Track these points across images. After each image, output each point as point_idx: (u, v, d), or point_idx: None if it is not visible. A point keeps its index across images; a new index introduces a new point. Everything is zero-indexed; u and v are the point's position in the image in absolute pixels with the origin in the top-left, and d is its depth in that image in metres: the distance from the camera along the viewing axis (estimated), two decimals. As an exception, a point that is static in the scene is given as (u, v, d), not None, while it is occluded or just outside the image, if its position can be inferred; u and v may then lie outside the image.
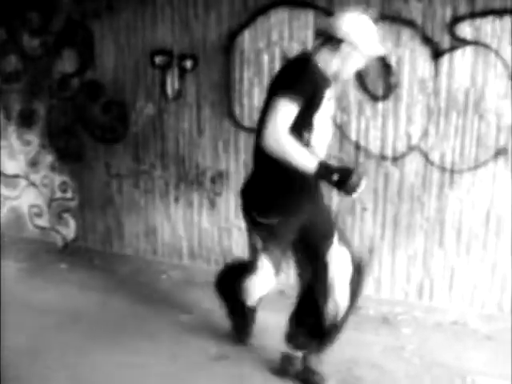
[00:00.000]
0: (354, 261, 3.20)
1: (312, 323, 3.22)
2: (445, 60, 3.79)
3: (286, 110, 2.64)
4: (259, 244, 3.04)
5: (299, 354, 3.32)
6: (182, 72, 4.60)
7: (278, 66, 4.18)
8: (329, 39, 2.84)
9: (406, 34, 3.83)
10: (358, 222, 4.25)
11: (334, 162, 4.00)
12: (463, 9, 3.66)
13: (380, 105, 4.01)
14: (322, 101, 2.82)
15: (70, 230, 5.51)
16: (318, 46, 2.92)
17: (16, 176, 5.66)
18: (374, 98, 4.02)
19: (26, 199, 5.67)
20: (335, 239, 3.16)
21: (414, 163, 4.01)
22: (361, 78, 4.00)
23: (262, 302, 3.46)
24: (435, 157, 3.95)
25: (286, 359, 3.35)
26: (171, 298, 4.47)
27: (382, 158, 4.08)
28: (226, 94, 4.46)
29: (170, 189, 4.90)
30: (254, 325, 3.66)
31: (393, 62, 3.91)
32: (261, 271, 3.09)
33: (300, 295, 3.32)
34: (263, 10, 4.19)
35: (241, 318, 3.64)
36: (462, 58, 3.74)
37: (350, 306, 3.22)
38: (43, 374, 3.41)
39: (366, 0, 3.83)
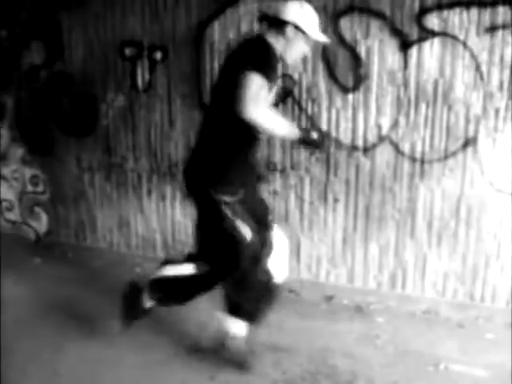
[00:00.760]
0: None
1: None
2: (413, 51, 3.78)
3: (262, 86, 2.72)
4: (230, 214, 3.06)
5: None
6: (153, 63, 4.55)
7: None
8: (274, 23, 2.98)
9: (374, 25, 3.81)
10: (331, 213, 4.26)
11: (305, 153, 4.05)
12: (431, 0, 3.66)
13: (350, 96, 4.01)
14: (276, 81, 2.96)
15: (42, 223, 5.45)
16: (264, 30, 3.04)
17: (-15, 170, 5.59)
18: (345, 89, 4.01)
19: (-3, 193, 5.61)
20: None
21: (384, 154, 4.01)
22: (331, 68, 3.99)
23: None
24: (405, 147, 3.96)
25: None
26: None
27: (353, 148, 4.08)
28: (196, 85, 4.42)
29: (142, 181, 4.86)
30: None
31: (362, 52, 3.90)
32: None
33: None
34: (233, 1, 4.16)
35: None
36: (431, 49, 3.73)
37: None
38: (18, 368, 3.41)
39: (336, -9, 3.83)
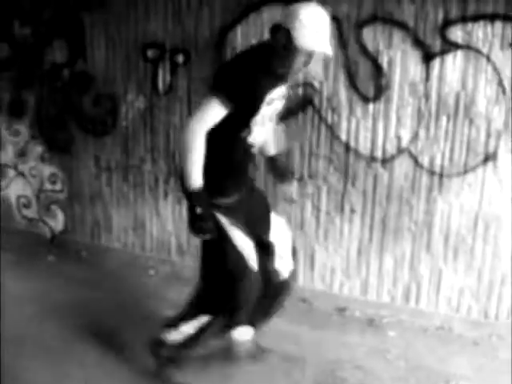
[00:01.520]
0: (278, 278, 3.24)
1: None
2: (436, 63, 3.74)
3: (213, 111, 2.64)
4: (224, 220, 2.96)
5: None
6: (174, 66, 4.55)
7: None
8: (284, 32, 2.67)
9: (397, 35, 3.78)
10: (347, 224, 4.23)
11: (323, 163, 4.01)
12: (455, 12, 3.62)
13: (371, 106, 3.98)
14: (261, 105, 2.75)
15: (58, 221, 5.47)
16: (275, 38, 2.76)
17: (4, 166, 5.62)
18: (365, 99, 3.98)
19: (15, 189, 5.63)
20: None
21: (403, 166, 3.98)
22: (352, 78, 3.96)
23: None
24: (425, 160, 3.92)
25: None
26: (158, 293, 4.48)
27: (372, 159, 4.05)
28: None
29: (159, 183, 4.86)
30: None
31: (384, 63, 3.87)
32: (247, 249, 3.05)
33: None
34: (256, 6, 4.14)
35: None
36: (453, 61, 3.70)
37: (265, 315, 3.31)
38: (27, 364, 3.44)
39: (359, 1, 3.79)
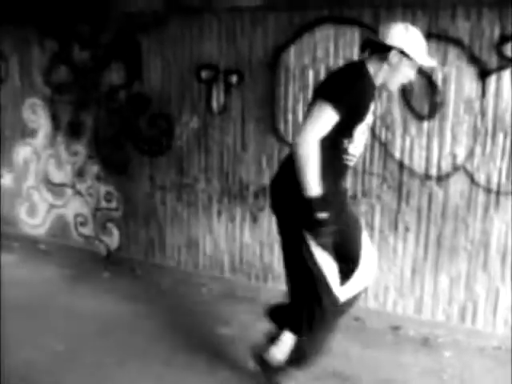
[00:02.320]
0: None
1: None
2: (492, 80, 3.71)
3: (326, 118, 2.68)
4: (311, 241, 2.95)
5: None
6: (228, 87, 4.63)
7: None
8: (377, 48, 2.86)
9: (452, 52, 3.77)
10: (401, 242, 4.20)
11: (377, 181, 3.99)
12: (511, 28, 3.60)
13: (425, 124, 3.96)
14: (366, 113, 2.86)
15: (113, 239, 5.58)
16: (366, 55, 2.92)
17: (63, 185, 5.78)
18: (420, 117, 3.96)
19: (72, 208, 5.78)
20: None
21: (458, 184, 3.94)
22: (406, 96, 3.96)
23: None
24: (481, 178, 3.88)
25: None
26: (211, 311, 4.49)
27: (427, 177, 4.02)
28: (270, 109, 4.47)
29: (212, 202, 4.92)
30: None
31: (439, 80, 3.86)
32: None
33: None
34: (309, 27, 4.19)
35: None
36: (510, 78, 3.66)
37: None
38: (82, 380, 3.47)
39: (413, 18, 3.80)
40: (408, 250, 4.19)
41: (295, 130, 4.36)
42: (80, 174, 5.63)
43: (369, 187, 4.21)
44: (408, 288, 4.23)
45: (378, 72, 2.87)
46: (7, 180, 6.15)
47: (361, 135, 2.95)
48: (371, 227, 4.25)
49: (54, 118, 5.66)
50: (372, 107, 2.93)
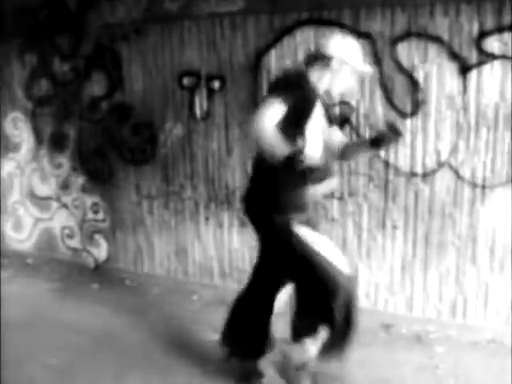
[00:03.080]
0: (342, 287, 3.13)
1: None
2: (473, 75, 3.75)
3: (274, 107, 2.81)
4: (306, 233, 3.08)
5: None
6: (210, 92, 4.63)
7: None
8: (319, 58, 3.08)
9: (432, 49, 3.81)
10: (389, 240, 4.21)
11: (363, 180, 4.01)
12: (490, 23, 3.63)
13: (408, 121, 3.99)
14: (312, 111, 3.01)
15: (101, 250, 5.55)
16: (310, 65, 3.13)
17: (48, 198, 5.75)
18: (403, 115, 3.99)
19: (58, 221, 5.75)
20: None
21: (444, 179, 3.96)
22: (388, 94, 3.99)
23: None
24: (466, 173, 3.90)
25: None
26: (202, 318, 4.47)
27: (412, 174, 4.05)
28: (253, 113, 4.44)
29: (200, 209, 4.91)
30: None
31: (420, 77, 3.88)
32: None
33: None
34: (289, 29, 4.21)
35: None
36: (491, 72, 3.70)
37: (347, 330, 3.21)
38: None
39: (392, 17, 3.83)
40: (397, 247, 4.21)
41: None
42: (65, 186, 5.59)
43: (355, 187, 4.22)
44: (398, 286, 4.25)
45: (321, 79, 3.08)
46: (-9, 195, 6.11)
47: (312, 136, 3.04)
48: (359, 227, 4.27)
49: (37, 132, 5.63)
50: (319, 111, 3.09)
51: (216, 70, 4.56)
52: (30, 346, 4.01)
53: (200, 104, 4.69)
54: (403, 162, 4.06)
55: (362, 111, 4.08)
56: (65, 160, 5.53)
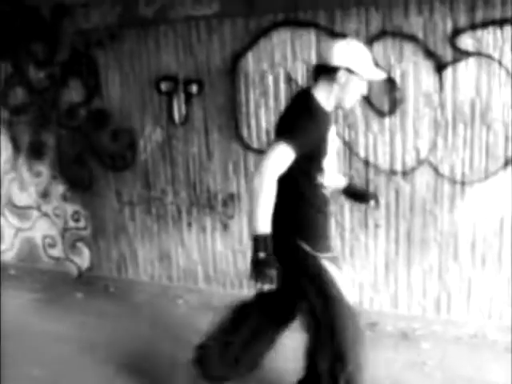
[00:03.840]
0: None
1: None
2: (448, 72, 3.77)
3: (282, 156, 2.62)
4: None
5: None
6: (188, 97, 4.62)
7: (282, 86, 4.23)
8: (324, 71, 2.79)
9: (408, 48, 3.82)
10: (372, 239, 4.23)
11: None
12: (463, 21, 3.65)
13: (387, 120, 4.00)
14: (327, 145, 2.82)
15: (84, 258, 5.52)
16: (315, 79, 2.87)
17: (28, 207, 5.70)
18: (381, 114, 4.01)
19: (39, 230, 5.71)
20: None
21: (424, 177, 3.99)
22: (366, 94, 3.99)
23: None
24: (445, 169, 3.93)
25: None
26: (188, 323, 4.48)
27: (392, 172, 4.07)
28: (232, 116, 4.47)
29: (182, 214, 4.91)
30: None
31: (397, 77, 3.90)
32: None
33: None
34: (265, 31, 4.21)
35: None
36: (466, 69, 3.73)
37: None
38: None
39: (366, 16, 3.85)
40: (379, 246, 4.23)
41: (259, 135, 4.39)
42: (45, 194, 5.55)
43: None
44: (382, 284, 4.27)
45: (329, 95, 2.81)
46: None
47: (329, 164, 2.93)
48: (341, 226, 4.28)
49: (15, 141, 5.58)
50: (331, 135, 2.90)
51: (193, 74, 4.55)
52: (13, 357, 3.97)
53: (179, 108, 4.68)
54: (383, 161, 4.07)
55: (340, 111, 4.08)
56: (44, 168, 5.49)
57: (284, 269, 2.77)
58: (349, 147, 4.13)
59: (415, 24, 3.77)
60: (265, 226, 2.61)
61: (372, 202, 3.39)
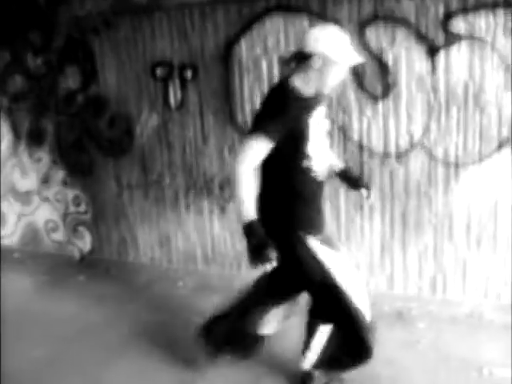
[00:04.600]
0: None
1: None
2: (441, 56, 3.77)
3: (255, 148, 2.70)
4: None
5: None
6: (183, 82, 4.64)
7: (276, 71, 4.23)
8: (301, 58, 2.81)
9: (400, 32, 3.81)
10: (367, 221, 4.27)
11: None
12: (455, 4, 3.64)
13: (380, 104, 4.01)
14: (307, 130, 2.82)
15: (85, 242, 5.60)
16: (293, 67, 2.89)
17: (29, 193, 5.76)
18: (374, 98, 4.01)
19: (41, 215, 5.77)
20: None
21: (418, 159, 4.00)
22: (359, 78, 4.00)
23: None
24: (439, 152, 3.95)
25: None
26: (188, 304, 4.54)
27: (386, 155, 4.08)
28: (227, 101, 4.49)
29: (179, 197, 4.95)
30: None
31: (389, 60, 3.90)
32: None
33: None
34: (258, 17, 4.20)
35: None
36: (458, 53, 3.72)
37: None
38: (64, 382, 3.54)
39: (359, 1, 3.83)
40: (375, 228, 4.26)
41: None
42: (46, 180, 5.61)
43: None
44: (378, 265, 4.32)
45: (308, 81, 2.82)
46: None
47: (317, 148, 2.92)
48: (337, 209, 4.31)
49: (15, 127, 5.62)
50: (316, 118, 2.89)
51: (188, 60, 4.56)
52: (16, 338, 4.06)
53: (174, 94, 4.70)
54: (376, 144, 4.09)
55: (333, 96, 4.08)
56: (44, 154, 5.53)
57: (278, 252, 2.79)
58: (343, 131, 4.15)
59: (407, 8, 3.76)
60: (250, 213, 2.72)
61: (363, 191, 3.39)
